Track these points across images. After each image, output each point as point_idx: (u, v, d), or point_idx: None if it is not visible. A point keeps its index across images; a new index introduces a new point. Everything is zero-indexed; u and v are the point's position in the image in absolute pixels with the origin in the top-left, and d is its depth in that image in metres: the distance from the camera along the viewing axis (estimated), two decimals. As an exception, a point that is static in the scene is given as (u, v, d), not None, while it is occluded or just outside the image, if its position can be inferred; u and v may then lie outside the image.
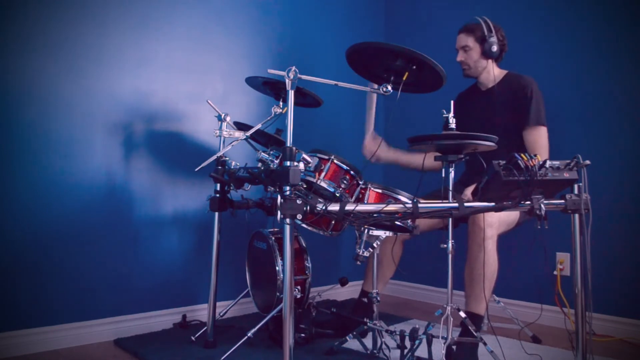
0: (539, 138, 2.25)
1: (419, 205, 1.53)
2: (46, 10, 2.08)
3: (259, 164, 1.93)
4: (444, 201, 1.73)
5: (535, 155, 1.50)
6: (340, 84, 1.61)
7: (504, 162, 1.50)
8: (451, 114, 1.80)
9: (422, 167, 2.01)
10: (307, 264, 2.28)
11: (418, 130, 1.80)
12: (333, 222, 1.94)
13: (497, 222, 2.06)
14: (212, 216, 2.19)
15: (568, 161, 1.52)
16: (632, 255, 2.39)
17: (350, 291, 3.05)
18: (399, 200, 1.78)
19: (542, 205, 1.51)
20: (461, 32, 2.37)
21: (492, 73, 2.36)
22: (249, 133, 2.04)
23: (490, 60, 2.35)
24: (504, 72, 2.39)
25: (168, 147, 2.46)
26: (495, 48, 2.29)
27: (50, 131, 2.10)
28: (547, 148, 2.25)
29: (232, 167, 2.11)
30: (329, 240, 2.87)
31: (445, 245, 1.82)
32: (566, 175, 1.51)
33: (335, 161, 1.84)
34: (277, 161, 1.86)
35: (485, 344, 1.84)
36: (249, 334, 2.01)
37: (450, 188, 1.76)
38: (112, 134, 2.27)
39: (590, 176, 1.59)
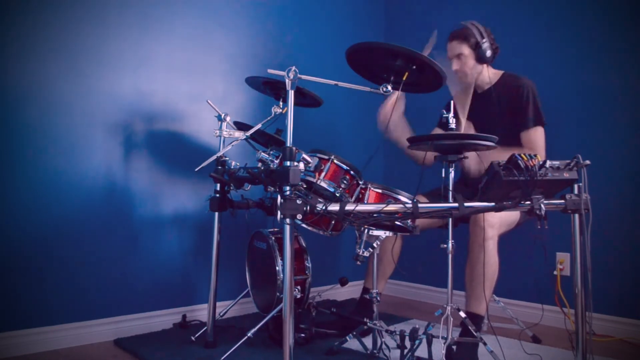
0: (535, 139, 2.24)
1: (419, 205, 1.53)
2: (46, 11, 2.08)
3: (259, 164, 1.93)
4: (445, 201, 1.73)
5: (535, 155, 1.50)
6: (340, 84, 1.61)
7: (504, 162, 1.50)
8: (451, 114, 1.81)
9: (422, 163, 2.00)
10: (307, 264, 2.28)
11: (418, 129, 1.80)
12: (333, 222, 1.95)
13: (498, 222, 2.06)
14: (212, 216, 2.19)
15: (568, 161, 1.52)
16: (632, 255, 2.39)
17: (350, 291, 3.05)
18: (399, 200, 1.78)
19: (542, 205, 1.51)
20: (453, 39, 2.30)
21: (487, 75, 2.34)
22: (249, 133, 2.04)
23: (485, 64, 2.34)
24: (500, 72, 2.37)
25: (168, 147, 2.46)
26: (489, 53, 2.27)
27: (50, 131, 2.10)
28: (543, 148, 2.25)
29: (232, 167, 2.11)
30: (329, 240, 2.87)
31: (445, 245, 1.82)
32: (566, 175, 1.51)
33: (335, 161, 1.84)
34: (277, 161, 1.87)
35: (485, 344, 1.84)
36: (249, 334, 2.01)
37: (450, 188, 1.76)
38: (112, 134, 2.27)
39: (590, 176, 1.59)
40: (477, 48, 2.26)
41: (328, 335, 2.20)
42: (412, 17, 3.40)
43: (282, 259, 1.95)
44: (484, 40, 2.25)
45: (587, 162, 1.51)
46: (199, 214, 2.52)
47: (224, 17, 2.68)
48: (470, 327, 1.85)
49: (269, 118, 2.05)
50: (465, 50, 2.27)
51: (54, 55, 2.11)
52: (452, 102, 1.85)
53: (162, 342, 2.17)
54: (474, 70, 2.31)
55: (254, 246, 2.41)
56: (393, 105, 2.17)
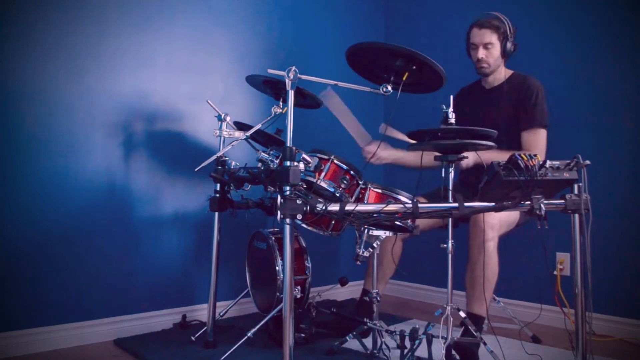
0: (536, 140, 2.23)
1: (419, 205, 1.53)
2: (46, 10, 2.08)
3: (259, 164, 1.93)
4: (445, 201, 1.73)
5: (535, 155, 1.50)
6: (340, 84, 1.61)
7: (504, 162, 1.50)
8: (450, 109, 1.80)
9: (420, 166, 2.00)
10: (307, 264, 2.28)
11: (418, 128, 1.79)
12: (333, 222, 1.94)
13: (497, 223, 2.05)
14: (212, 216, 2.19)
15: (568, 161, 1.52)
16: (632, 255, 2.39)
17: (350, 291, 3.05)
18: (399, 200, 1.78)
19: (542, 205, 1.51)
20: (485, 27, 2.25)
21: (503, 73, 2.33)
22: (249, 133, 2.04)
23: (503, 60, 2.32)
24: (510, 71, 2.37)
25: (168, 147, 2.46)
26: (513, 49, 2.26)
27: (50, 131, 2.10)
28: (543, 150, 2.25)
29: (232, 167, 2.11)
30: (329, 240, 2.87)
31: (445, 245, 1.82)
32: (566, 175, 1.51)
33: (335, 161, 1.84)
34: (277, 161, 1.86)
35: (485, 344, 1.84)
36: (249, 334, 2.01)
37: (450, 188, 1.76)
38: (112, 134, 2.27)
39: (590, 176, 1.59)
40: (504, 40, 2.24)
41: (328, 335, 2.20)
42: (412, 16, 3.40)
43: (282, 259, 1.95)
44: (512, 34, 2.24)
45: (587, 162, 1.51)
46: (199, 214, 2.52)
47: (224, 17, 2.68)
48: (470, 328, 1.85)
49: (269, 118, 2.05)
50: (495, 40, 2.25)
51: (54, 54, 2.11)
52: (451, 97, 1.84)
53: (162, 342, 2.17)
54: (497, 62, 2.30)
55: (254, 246, 2.41)
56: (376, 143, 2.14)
